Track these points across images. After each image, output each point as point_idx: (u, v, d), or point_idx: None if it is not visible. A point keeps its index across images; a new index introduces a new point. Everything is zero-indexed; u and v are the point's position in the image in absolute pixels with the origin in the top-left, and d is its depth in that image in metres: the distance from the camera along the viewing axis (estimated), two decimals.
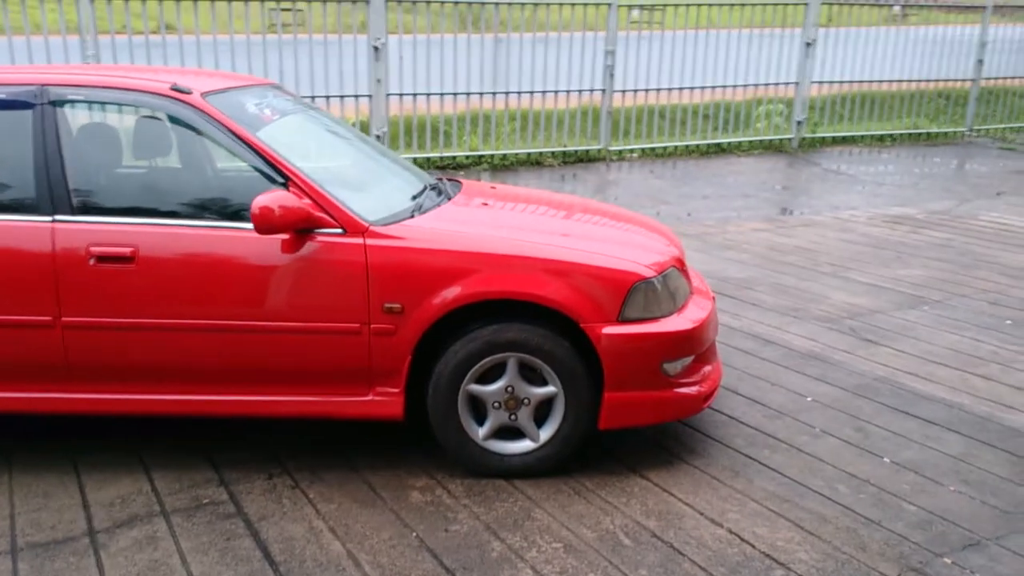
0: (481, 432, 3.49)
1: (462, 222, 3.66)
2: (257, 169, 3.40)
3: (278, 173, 3.38)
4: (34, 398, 3.47)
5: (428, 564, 2.94)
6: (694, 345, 3.55)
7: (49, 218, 3.36)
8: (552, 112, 10.91)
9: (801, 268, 6.63)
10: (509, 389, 3.44)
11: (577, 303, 3.36)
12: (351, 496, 3.37)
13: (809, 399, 4.25)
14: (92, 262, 3.34)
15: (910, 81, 13.13)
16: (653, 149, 11.53)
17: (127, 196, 3.50)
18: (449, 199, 3.96)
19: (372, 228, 3.38)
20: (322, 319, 3.38)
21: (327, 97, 9.51)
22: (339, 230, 3.36)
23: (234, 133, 3.42)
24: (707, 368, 3.71)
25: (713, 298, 3.92)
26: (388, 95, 9.82)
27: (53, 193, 3.37)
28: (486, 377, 3.45)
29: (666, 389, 3.50)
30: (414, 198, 3.79)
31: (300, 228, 3.32)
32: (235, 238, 3.36)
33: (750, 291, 6.04)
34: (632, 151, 11.41)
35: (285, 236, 3.33)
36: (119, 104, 3.57)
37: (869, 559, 2.97)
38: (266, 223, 3.21)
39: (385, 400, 3.46)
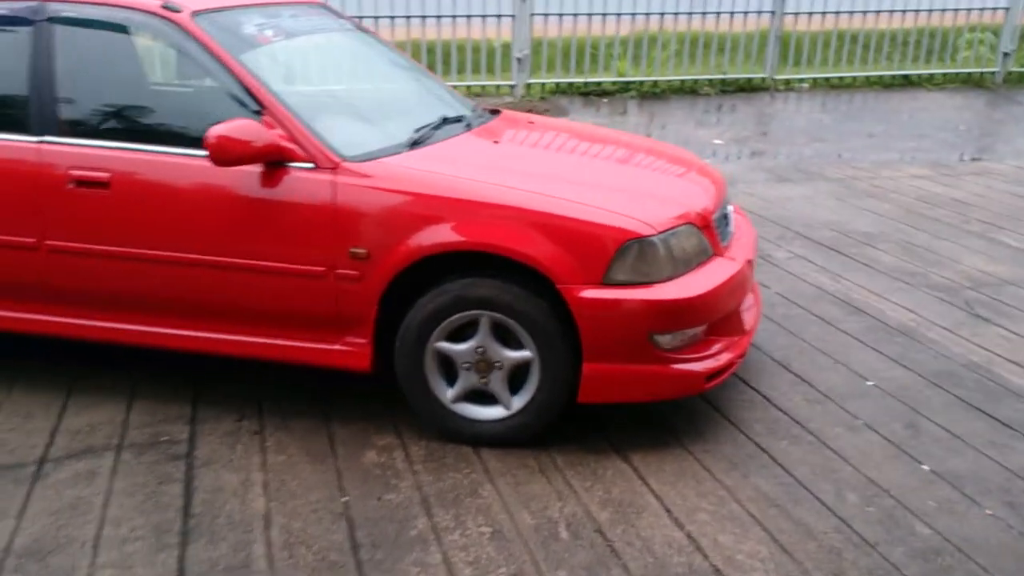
0: (450, 394, 3.19)
1: (452, 161, 3.31)
2: (231, 94, 3.19)
3: (252, 99, 3.16)
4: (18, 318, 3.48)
5: (338, 535, 2.71)
6: (695, 317, 3.08)
7: (36, 139, 3.31)
8: (713, 35, 10.11)
9: (944, 225, 5.81)
10: (480, 350, 3.11)
11: (555, 260, 2.97)
12: (306, 449, 3.18)
13: (870, 383, 3.65)
14: (71, 186, 3.27)
15: None
16: (828, 79, 10.51)
17: (109, 119, 3.37)
18: (467, 132, 3.63)
19: (344, 164, 3.11)
20: (289, 260, 3.17)
21: (468, 16, 9.21)
22: (310, 165, 3.12)
23: (214, 55, 3.21)
24: (723, 342, 3.23)
25: (748, 262, 3.41)
26: (532, 15, 9.39)
27: (43, 113, 3.32)
28: (458, 335, 3.14)
29: (658, 364, 3.06)
30: (417, 130, 3.46)
31: (267, 160, 3.10)
32: (210, 168, 3.16)
33: (870, 248, 5.33)
34: (802, 81, 10.45)
35: (256, 168, 3.12)
36: (113, 23, 3.40)
37: None
38: (222, 154, 3.01)
39: (353, 351, 3.22)
